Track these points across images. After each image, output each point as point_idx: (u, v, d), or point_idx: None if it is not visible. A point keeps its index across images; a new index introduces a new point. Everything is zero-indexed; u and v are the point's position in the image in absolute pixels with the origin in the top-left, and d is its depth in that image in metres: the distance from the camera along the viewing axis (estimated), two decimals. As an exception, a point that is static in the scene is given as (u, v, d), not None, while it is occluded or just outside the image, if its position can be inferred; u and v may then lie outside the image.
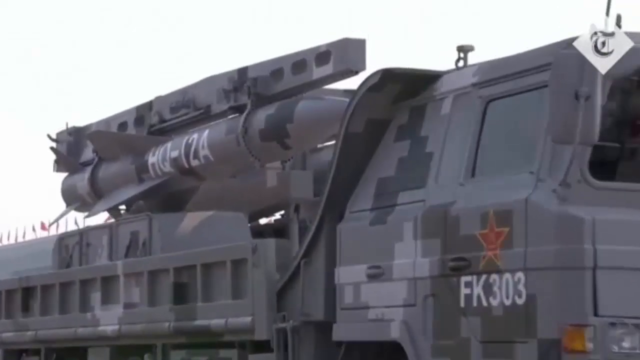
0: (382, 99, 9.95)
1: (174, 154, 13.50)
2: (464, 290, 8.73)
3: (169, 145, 13.70)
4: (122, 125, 14.91)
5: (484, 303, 8.56)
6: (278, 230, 14.07)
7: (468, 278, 8.71)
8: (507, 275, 8.40)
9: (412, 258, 9.20)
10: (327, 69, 11.65)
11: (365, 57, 11.44)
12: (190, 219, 13.18)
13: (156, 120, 14.23)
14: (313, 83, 12.00)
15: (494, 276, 8.50)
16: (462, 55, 9.60)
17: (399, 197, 9.53)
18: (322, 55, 11.71)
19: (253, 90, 12.45)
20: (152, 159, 13.92)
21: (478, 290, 8.62)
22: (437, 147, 9.31)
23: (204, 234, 12.98)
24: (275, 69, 12.35)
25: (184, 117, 13.72)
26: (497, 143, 8.87)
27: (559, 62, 8.15)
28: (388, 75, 9.73)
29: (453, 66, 9.66)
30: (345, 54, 11.44)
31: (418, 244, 9.16)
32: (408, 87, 9.84)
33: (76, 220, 16.02)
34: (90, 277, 13.57)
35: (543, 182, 8.30)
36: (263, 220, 14.75)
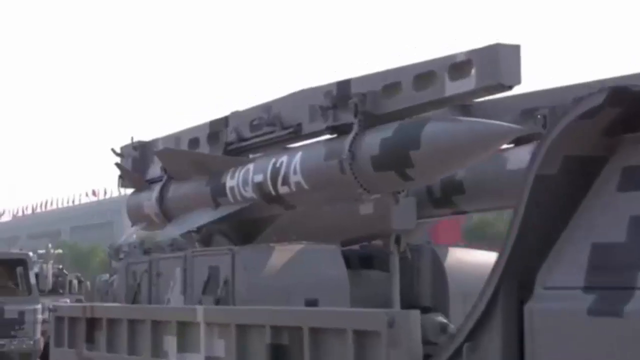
0: (591, 128, 5.19)
1: (258, 178, 8.73)
2: None
3: (250, 167, 8.93)
4: (193, 142, 10.09)
5: None
6: (365, 259, 9.33)
7: None
8: None
9: (682, 378, 4.45)
10: (467, 84, 6.85)
11: (521, 68, 6.65)
12: (279, 254, 8.40)
13: (234, 138, 9.43)
14: (444, 100, 7.20)
15: None
16: None
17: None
18: (458, 65, 6.91)
19: (361, 107, 7.67)
20: (230, 182, 9.15)
21: None
22: None
23: (294, 271, 8.25)
24: (389, 83, 7.55)
25: (270, 136, 8.91)
26: None
27: None
28: (615, 97, 4.96)
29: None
30: (495, 63, 6.64)
31: (695, 358, 4.40)
32: (630, 111, 5.08)
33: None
34: (164, 319, 8.79)
35: None
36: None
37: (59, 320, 10.80)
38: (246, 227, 9.54)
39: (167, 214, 10.24)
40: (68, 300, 34.91)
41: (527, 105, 8.40)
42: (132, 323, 9.30)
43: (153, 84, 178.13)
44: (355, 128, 7.67)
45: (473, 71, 6.78)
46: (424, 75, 7.18)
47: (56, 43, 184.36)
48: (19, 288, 20.42)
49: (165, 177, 10.27)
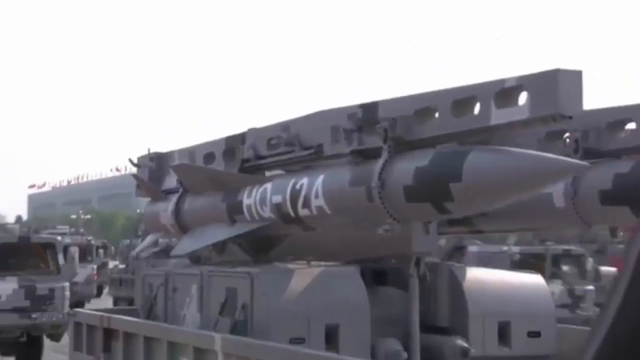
0: None
1: (277, 198, 6.93)
2: None
3: (268, 187, 7.12)
4: (209, 157, 8.27)
5: None
6: (380, 275, 7.52)
7: None
8: None
9: None
10: (518, 112, 5.04)
11: (582, 96, 4.86)
12: (298, 277, 6.66)
13: (251, 155, 7.61)
14: (489, 129, 5.36)
15: None
16: None
17: None
18: (507, 92, 5.11)
19: (391, 133, 5.86)
20: (247, 200, 7.34)
21: None
22: None
23: (314, 295, 6.51)
24: (423, 107, 5.74)
25: (289, 156, 7.09)
26: None
27: None
28: None
29: None
30: (552, 91, 4.84)
31: None
32: None
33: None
34: (180, 341, 7.00)
35: None
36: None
37: (77, 325, 9.02)
38: (261, 242, 7.77)
39: (182, 226, 8.46)
40: (95, 266, 33.22)
41: (554, 127, 6.64)
42: (149, 339, 7.53)
43: (168, 86, 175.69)
44: (385, 155, 5.87)
45: (525, 99, 4.98)
46: (463, 101, 5.38)
47: (92, 51, 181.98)
48: (49, 268, 19.09)
49: (181, 190, 8.46)
